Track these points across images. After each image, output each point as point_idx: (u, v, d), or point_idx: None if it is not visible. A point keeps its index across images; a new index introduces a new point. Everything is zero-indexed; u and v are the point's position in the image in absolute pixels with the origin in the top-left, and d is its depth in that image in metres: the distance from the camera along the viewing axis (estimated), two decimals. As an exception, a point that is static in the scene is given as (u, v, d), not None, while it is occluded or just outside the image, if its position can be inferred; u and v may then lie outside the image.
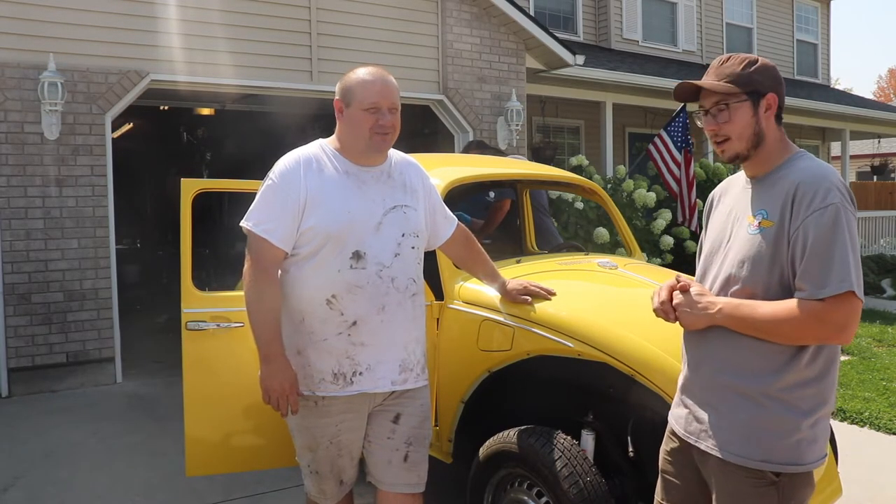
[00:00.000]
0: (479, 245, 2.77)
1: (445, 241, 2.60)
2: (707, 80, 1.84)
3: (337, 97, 2.29)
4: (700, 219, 5.52)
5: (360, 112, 2.22)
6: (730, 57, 1.85)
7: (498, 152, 5.80)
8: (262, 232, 2.18)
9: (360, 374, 2.23)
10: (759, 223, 1.75)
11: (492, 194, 4.76)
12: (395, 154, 2.40)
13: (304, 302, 2.22)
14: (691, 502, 1.95)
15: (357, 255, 2.20)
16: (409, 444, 2.35)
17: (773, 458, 1.72)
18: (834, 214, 1.65)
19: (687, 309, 1.84)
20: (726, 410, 1.78)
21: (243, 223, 2.22)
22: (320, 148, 2.31)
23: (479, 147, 5.64)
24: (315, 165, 2.24)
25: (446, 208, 2.60)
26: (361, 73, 2.27)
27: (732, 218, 1.87)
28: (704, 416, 1.83)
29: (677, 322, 1.89)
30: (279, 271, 2.26)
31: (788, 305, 1.67)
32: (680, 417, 1.92)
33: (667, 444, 2.02)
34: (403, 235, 2.28)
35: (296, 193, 2.19)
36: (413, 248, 2.32)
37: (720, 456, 1.77)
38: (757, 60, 1.82)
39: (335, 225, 2.18)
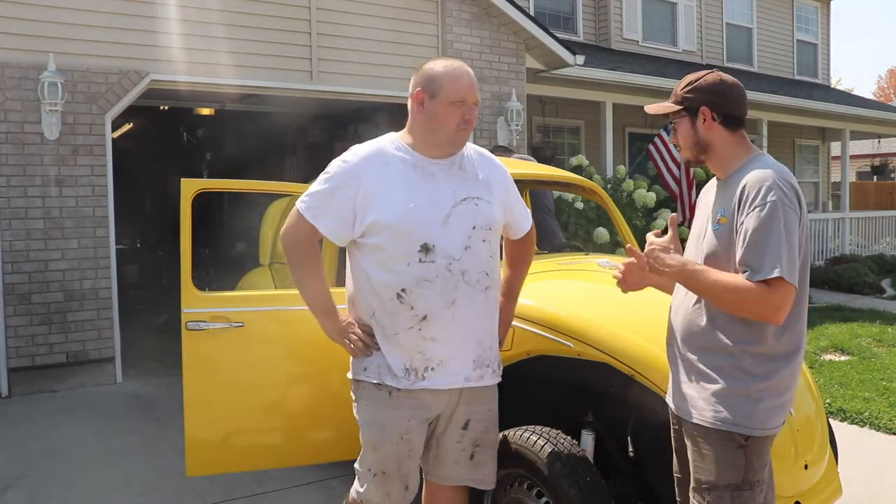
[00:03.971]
0: (530, 256, 2.58)
1: (521, 236, 2.49)
2: (654, 105, 2.19)
3: (418, 88, 2.22)
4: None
5: (446, 105, 2.19)
6: (684, 79, 2.13)
7: (508, 152, 5.79)
8: (305, 210, 2.20)
9: (432, 369, 2.20)
10: (718, 220, 2.01)
11: None
12: (468, 146, 2.34)
13: (374, 297, 2.20)
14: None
15: (426, 249, 2.15)
16: (476, 445, 2.35)
17: (743, 423, 1.94)
18: (771, 210, 1.87)
19: (651, 260, 2.07)
20: (704, 382, 2.00)
21: (301, 199, 2.24)
22: (390, 142, 2.27)
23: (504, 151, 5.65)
24: (380, 159, 2.21)
25: (524, 203, 2.50)
26: (446, 64, 2.24)
27: (706, 215, 2.12)
28: (685, 389, 2.06)
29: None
30: (345, 252, 2.31)
31: (736, 279, 1.90)
32: (671, 395, 2.16)
33: (672, 423, 2.24)
34: (474, 228, 2.21)
35: (348, 189, 2.17)
36: (485, 241, 2.24)
37: (698, 422, 1.99)
38: (698, 79, 2.08)
39: (397, 218, 2.14)
